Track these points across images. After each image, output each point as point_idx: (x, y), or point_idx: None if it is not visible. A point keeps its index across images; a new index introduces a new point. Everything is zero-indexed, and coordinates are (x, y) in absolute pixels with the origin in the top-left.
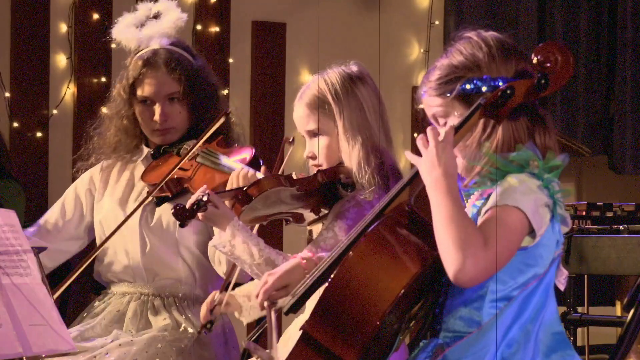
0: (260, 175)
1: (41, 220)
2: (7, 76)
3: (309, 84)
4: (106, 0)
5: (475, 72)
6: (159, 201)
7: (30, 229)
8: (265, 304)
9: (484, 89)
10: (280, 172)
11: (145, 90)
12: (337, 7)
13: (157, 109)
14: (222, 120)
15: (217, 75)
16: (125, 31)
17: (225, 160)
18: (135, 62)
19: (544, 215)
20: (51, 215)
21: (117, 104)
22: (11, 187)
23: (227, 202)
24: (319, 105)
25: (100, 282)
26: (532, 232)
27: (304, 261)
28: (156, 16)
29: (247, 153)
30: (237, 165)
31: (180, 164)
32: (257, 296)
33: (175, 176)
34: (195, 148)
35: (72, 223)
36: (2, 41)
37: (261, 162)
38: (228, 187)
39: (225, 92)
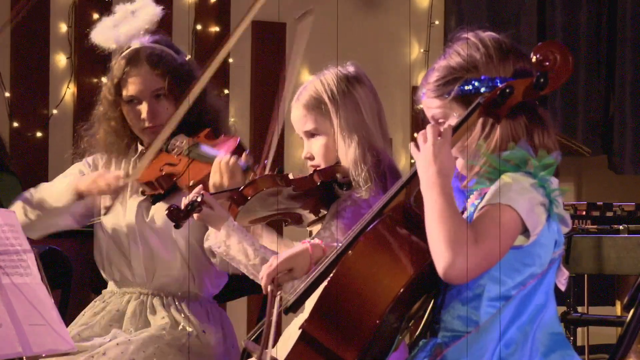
0: (242, 162)
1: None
2: (7, 76)
3: (306, 85)
4: (106, 0)
5: (473, 73)
6: (154, 199)
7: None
8: (269, 287)
9: (482, 89)
10: (267, 164)
11: (130, 89)
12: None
13: (144, 107)
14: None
15: (201, 69)
16: (101, 32)
17: (209, 150)
18: (118, 62)
19: (539, 214)
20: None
21: (104, 106)
22: (8, 180)
23: (223, 203)
24: (315, 105)
25: (102, 280)
26: (526, 232)
27: (311, 247)
28: (134, 14)
29: (231, 142)
30: (220, 154)
31: (169, 160)
32: (261, 278)
33: (164, 172)
34: (185, 144)
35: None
36: (2, 41)
37: (246, 151)
38: (212, 175)
39: (226, 92)
